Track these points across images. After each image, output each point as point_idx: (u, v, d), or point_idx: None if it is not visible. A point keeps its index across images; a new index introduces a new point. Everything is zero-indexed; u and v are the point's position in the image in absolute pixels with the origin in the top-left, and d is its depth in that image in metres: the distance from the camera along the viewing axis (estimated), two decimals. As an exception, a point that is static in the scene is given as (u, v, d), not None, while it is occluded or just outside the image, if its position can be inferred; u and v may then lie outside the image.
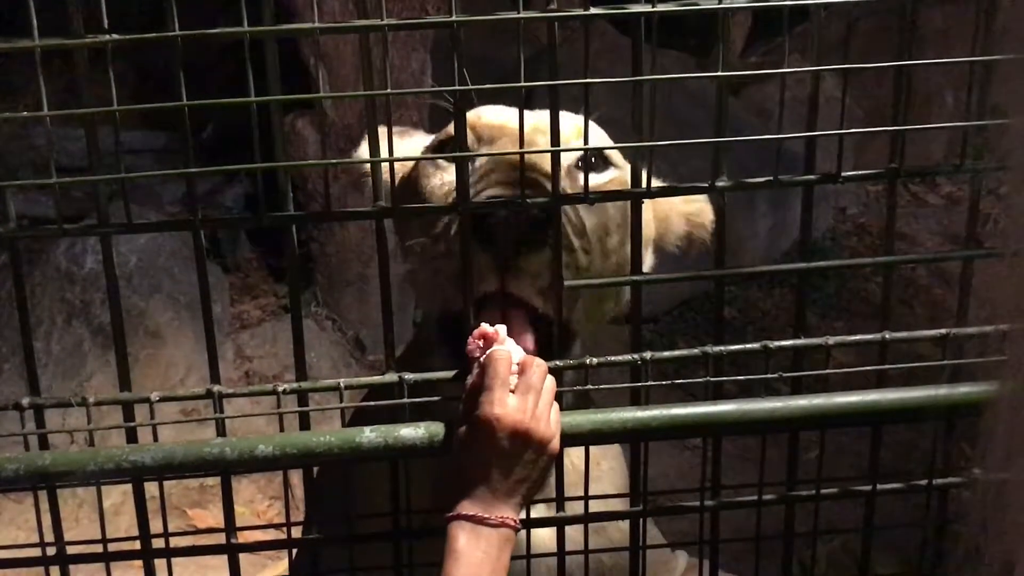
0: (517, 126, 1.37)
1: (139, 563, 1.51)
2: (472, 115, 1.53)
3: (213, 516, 3.82)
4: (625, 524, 1.54)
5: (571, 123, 1.48)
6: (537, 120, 1.50)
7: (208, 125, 4.90)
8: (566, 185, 1.43)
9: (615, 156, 1.61)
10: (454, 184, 1.55)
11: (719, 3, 1.32)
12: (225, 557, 1.50)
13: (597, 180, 1.54)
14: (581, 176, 1.52)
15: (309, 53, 4.33)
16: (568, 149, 1.45)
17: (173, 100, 1.31)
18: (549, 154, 1.38)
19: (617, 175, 1.59)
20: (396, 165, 1.67)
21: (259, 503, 3.87)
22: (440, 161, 1.58)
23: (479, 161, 1.47)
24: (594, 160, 1.55)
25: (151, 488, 1.52)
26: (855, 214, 5.80)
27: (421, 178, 1.61)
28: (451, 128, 1.66)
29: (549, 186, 1.39)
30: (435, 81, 4.45)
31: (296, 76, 4.09)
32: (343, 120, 4.33)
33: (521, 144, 1.36)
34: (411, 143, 1.77)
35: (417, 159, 1.62)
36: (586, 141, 1.41)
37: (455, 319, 1.44)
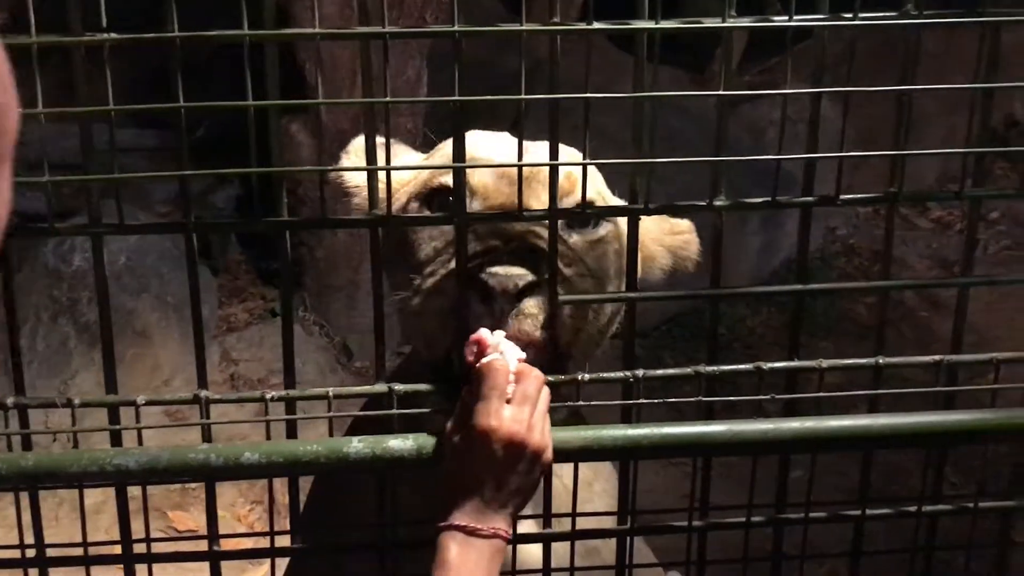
0: (510, 172, 1.36)
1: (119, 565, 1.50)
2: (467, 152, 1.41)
3: (194, 519, 3.79)
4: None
5: (564, 170, 1.42)
6: (533, 161, 1.44)
7: (201, 125, 4.88)
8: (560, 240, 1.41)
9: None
10: (442, 234, 1.50)
11: (722, 22, 1.31)
12: (205, 561, 1.49)
13: (591, 236, 1.51)
14: (573, 235, 1.48)
15: (304, 57, 4.32)
16: (566, 213, 1.43)
17: (167, 98, 1.30)
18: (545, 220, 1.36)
19: (611, 229, 1.53)
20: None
21: (240, 507, 3.84)
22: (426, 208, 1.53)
23: (473, 207, 1.44)
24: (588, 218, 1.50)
25: (133, 489, 1.50)
26: (844, 235, 5.80)
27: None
28: (441, 178, 1.53)
29: (541, 243, 1.38)
30: (431, 88, 4.44)
31: (290, 78, 4.07)
32: (336, 125, 4.31)
33: (520, 192, 1.36)
34: (397, 161, 1.70)
35: (413, 220, 1.52)
36: (585, 156, 1.40)
37: (445, 361, 1.42)
